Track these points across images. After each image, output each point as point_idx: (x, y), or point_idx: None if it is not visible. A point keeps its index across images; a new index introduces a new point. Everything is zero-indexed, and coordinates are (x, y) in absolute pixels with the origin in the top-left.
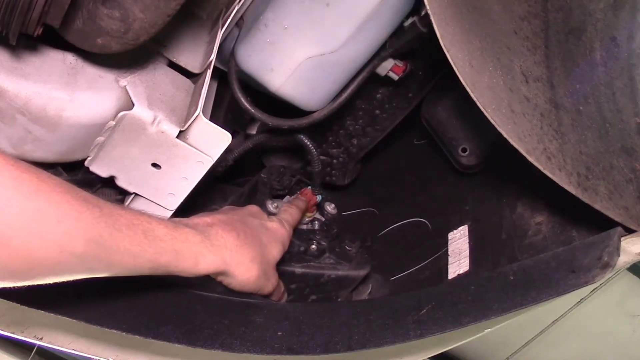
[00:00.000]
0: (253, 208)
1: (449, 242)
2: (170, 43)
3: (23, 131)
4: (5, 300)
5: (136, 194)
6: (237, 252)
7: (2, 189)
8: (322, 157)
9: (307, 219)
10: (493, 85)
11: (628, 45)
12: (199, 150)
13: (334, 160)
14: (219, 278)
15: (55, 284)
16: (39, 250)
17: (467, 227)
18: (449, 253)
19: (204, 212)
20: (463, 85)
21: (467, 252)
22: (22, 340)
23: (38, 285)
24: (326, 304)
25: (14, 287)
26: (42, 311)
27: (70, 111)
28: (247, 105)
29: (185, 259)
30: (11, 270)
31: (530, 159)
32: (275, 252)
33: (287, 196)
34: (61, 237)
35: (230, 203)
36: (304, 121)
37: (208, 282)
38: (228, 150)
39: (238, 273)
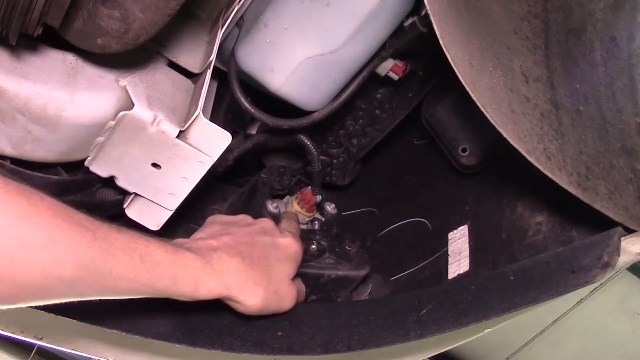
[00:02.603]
0: (266, 224)
1: (449, 242)
2: (170, 43)
3: (23, 131)
4: None
5: (136, 194)
6: (240, 276)
7: None
8: (322, 157)
9: (307, 219)
10: (493, 85)
11: (628, 45)
12: (199, 150)
13: (334, 160)
14: (227, 302)
15: None
16: (23, 275)
17: (467, 227)
18: (449, 253)
19: (210, 229)
20: (463, 85)
21: (467, 252)
22: (22, 340)
23: None
24: (326, 304)
25: None
26: (42, 311)
27: (70, 111)
28: (247, 105)
29: (184, 285)
30: None
31: (530, 159)
32: (287, 269)
33: (287, 196)
34: (47, 262)
35: (230, 203)
36: (304, 121)
37: None
38: (228, 150)
39: (242, 298)
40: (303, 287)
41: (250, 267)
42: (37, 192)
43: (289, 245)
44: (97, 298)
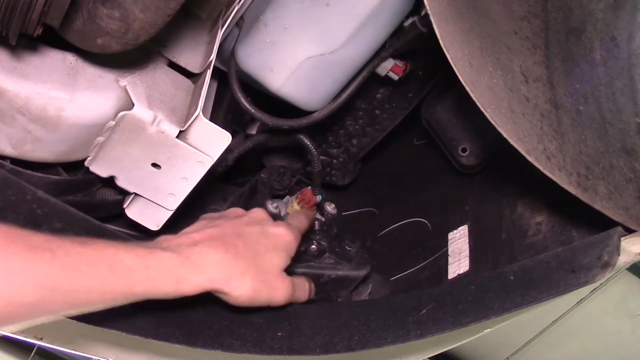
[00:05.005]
0: (256, 213)
1: (449, 242)
2: (170, 43)
3: (23, 131)
4: None
5: (136, 194)
6: (225, 267)
7: None
8: (322, 157)
9: None
10: (493, 85)
11: (628, 45)
12: (199, 150)
13: (334, 160)
14: (216, 295)
15: None
16: None
17: (467, 227)
18: (449, 253)
19: (198, 224)
20: (463, 85)
21: (467, 252)
22: (22, 340)
23: None
24: (326, 304)
25: None
26: None
27: (70, 111)
28: (247, 105)
29: (164, 285)
30: None
31: (530, 159)
32: (276, 260)
33: (287, 196)
34: (6, 291)
35: (230, 203)
36: (304, 121)
37: None
38: (228, 150)
39: (229, 289)
40: (305, 285)
41: (235, 257)
42: None
43: (280, 235)
44: (73, 313)
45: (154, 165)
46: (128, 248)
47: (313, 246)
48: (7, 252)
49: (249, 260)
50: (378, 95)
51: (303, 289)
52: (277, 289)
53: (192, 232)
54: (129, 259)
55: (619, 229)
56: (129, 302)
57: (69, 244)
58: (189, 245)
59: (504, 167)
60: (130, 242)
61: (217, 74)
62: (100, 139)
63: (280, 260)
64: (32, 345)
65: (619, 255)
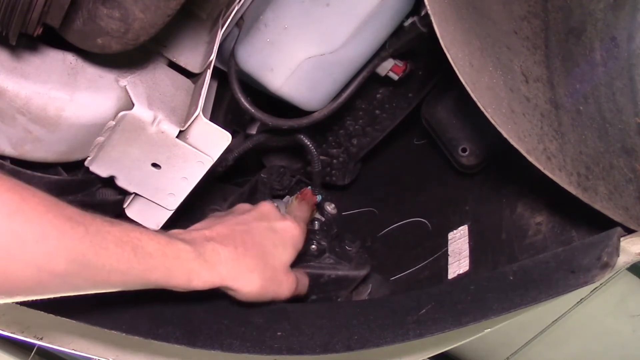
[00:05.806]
0: (265, 207)
1: (449, 242)
2: (170, 43)
3: (23, 131)
4: None
5: (136, 194)
6: (233, 266)
7: None
8: (322, 157)
9: None
10: (493, 85)
11: (628, 45)
12: (199, 150)
13: (334, 160)
14: (224, 290)
15: None
16: (16, 271)
17: (467, 227)
18: (449, 253)
19: (207, 221)
20: (463, 85)
21: (467, 252)
22: (22, 340)
23: None
24: (326, 304)
25: None
26: (42, 311)
27: (70, 111)
28: (247, 105)
29: (177, 276)
30: None
31: (530, 159)
32: (284, 256)
33: (287, 196)
34: (40, 257)
35: (230, 203)
36: (304, 121)
37: None
38: (228, 150)
39: (237, 286)
40: (306, 279)
41: (244, 255)
42: (29, 188)
43: (287, 229)
44: (92, 292)
45: (154, 165)
46: (151, 234)
47: (313, 246)
48: (45, 220)
49: (256, 258)
50: (378, 95)
51: (304, 283)
52: (283, 285)
53: (203, 229)
54: (151, 245)
55: (619, 229)
56: (143, 287)
57: (100, 221)
58: (202, 241)
59: (504, 167)
60: (151, 229)
61: (217, 74)
62: (100, 139)
63: (287, 255)
64: (32, 345)
65: (618, 256)
